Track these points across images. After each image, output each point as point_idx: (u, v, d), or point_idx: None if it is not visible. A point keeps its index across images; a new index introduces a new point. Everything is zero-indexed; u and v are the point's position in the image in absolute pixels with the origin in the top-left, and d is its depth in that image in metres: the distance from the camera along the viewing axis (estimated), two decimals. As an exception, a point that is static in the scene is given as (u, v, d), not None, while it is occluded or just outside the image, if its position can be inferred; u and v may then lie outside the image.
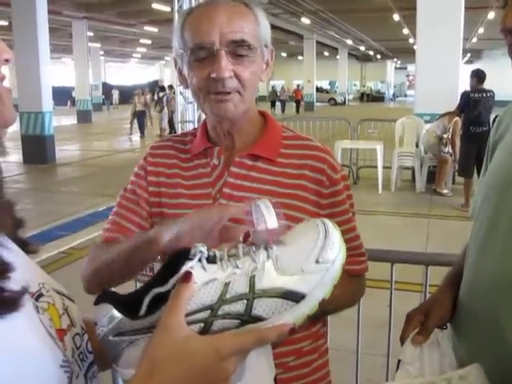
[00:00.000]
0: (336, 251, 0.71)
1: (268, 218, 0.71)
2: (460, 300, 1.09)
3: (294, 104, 32.31)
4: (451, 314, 1.11)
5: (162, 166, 1.28)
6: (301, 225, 0.77)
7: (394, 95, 49.72)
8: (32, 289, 0.67)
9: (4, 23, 15.53)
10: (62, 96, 33.85)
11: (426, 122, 8.79)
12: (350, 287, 1.21)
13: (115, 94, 38.75)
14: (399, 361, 1.06)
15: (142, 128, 18.18)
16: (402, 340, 1.08)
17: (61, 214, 7.41)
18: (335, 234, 0.72)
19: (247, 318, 0.67)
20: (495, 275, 0.97)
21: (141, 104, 18.15)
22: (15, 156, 12.88)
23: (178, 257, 0.69)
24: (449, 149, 8.06)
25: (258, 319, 0.67)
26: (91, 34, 24.94)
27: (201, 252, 0.68)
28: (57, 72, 35.45)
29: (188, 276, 0.65)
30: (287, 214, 0.73)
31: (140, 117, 18.19)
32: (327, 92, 42.48)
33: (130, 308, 0.67)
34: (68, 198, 8.68)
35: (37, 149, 12.09)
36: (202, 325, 0.66)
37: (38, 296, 0.68)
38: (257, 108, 1.28)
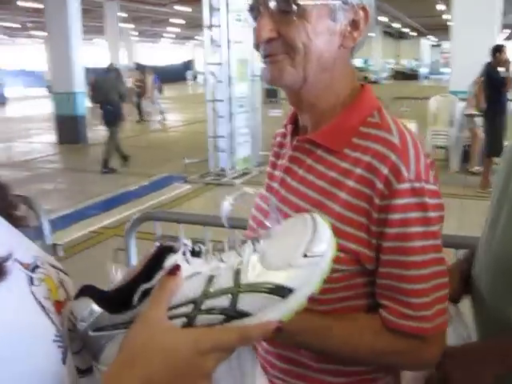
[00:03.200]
0: (325, 245, 0.69)
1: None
2: (472, 277, 1.16)
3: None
4: (462, 287, 1.17)
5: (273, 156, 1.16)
6: (290, 219, 0.76)
7: (428, 73, 48.66)
8: (26, 260, 0.66)
9: (39, 6, 15.72)
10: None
11: (461, 99, 8.56)
12: (379, 341, 0.90)
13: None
14: None
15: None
16: None
17: (93, 193, 7.52)
18: (324, 227, 0.70)
19: (232, 314, 0.65)
20: (495, 259, 1.07)
21: None
22: (49, 136, 13.09)
23: (163, 251, 0.67)
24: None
25: (244, 315, 0.65)
26: (124, 14, 24.98)
27: (185, 245, 0.67)
28: (90, 53, 35.64)
29: (175, 269, 0.64)
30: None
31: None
32: (361, 70, 41.77)
33: (116, 303, 0.64)
34: (100, 177, 8.78)
35: (69, 129, 12.24)
36: (185, 319, 0.64)
37: (34, 268, 0.67)
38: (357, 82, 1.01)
